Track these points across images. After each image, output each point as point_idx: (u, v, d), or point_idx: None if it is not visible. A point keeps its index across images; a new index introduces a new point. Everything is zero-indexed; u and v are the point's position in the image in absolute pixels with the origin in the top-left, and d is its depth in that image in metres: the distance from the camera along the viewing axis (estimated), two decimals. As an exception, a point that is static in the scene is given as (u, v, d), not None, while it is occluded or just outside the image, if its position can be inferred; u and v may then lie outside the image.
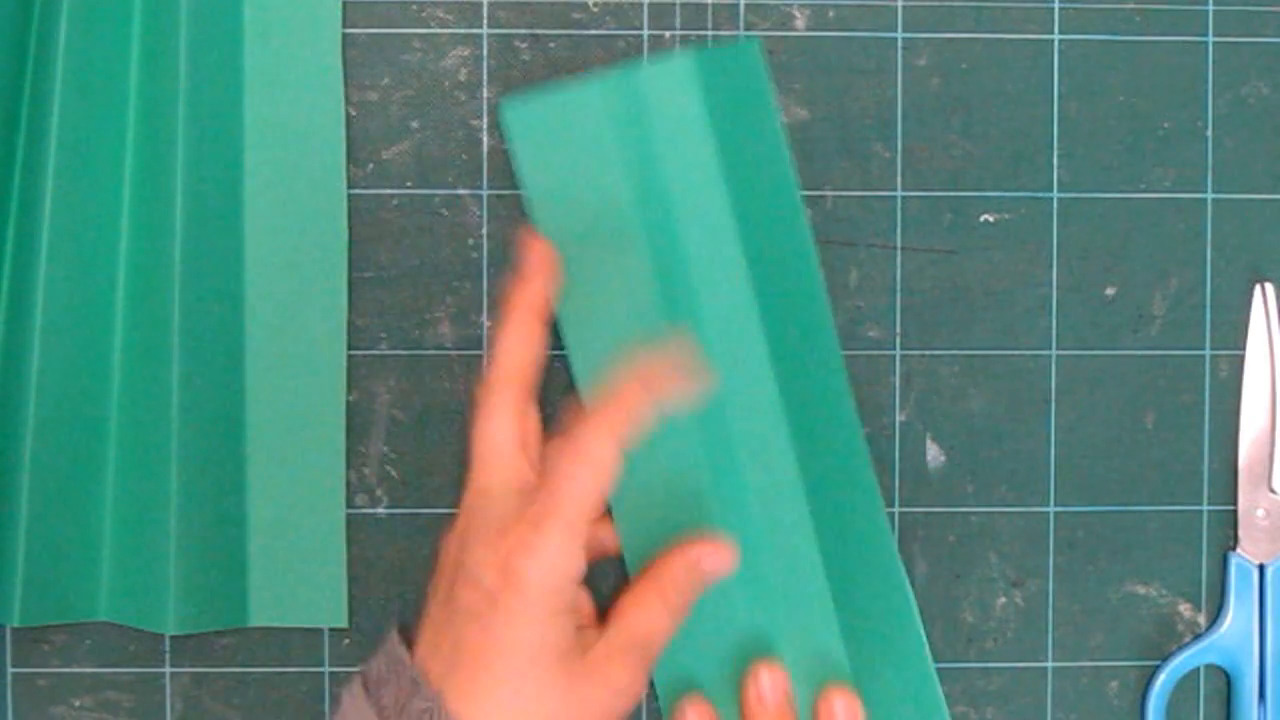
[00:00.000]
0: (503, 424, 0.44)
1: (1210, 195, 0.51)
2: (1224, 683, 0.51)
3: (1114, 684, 0.51)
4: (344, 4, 0.49)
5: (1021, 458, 0.50)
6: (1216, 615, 0.50)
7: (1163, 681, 0.50)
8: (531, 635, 0.42)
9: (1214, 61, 0.50)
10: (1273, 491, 0.50)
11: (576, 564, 0.42)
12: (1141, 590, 0.51)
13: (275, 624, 0.49)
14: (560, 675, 0.42)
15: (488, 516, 0.43)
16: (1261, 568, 0.50)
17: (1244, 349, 0.50)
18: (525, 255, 0.46)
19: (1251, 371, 0.50)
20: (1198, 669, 0.50)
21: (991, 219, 0.50)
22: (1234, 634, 0.50)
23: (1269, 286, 0.50)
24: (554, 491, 0.42)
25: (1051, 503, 0.50)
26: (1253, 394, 0.50)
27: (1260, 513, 0.50)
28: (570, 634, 0.43)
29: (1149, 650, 0.50)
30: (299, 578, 0.48)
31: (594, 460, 0.43)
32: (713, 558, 0.46)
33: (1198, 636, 0.50)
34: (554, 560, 0.42)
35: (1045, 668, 0.50)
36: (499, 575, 0.42)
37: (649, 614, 0.45)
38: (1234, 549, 0.50)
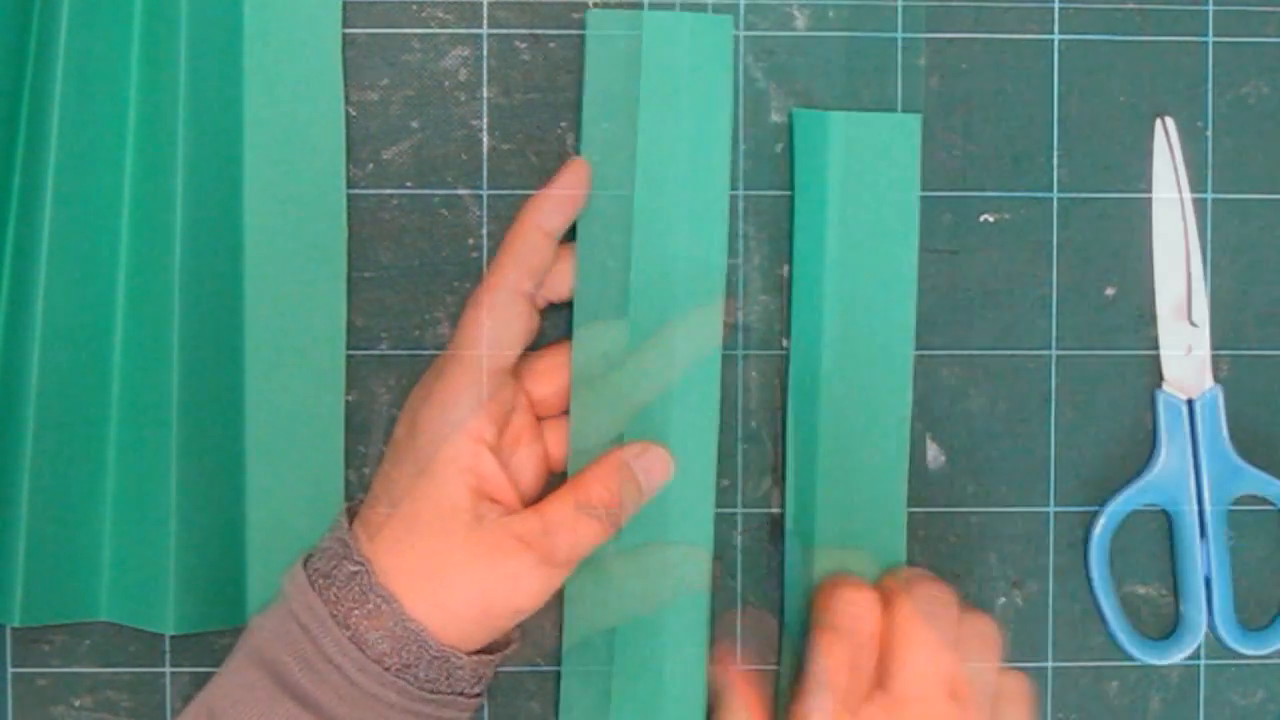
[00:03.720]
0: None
1: (1210, 195, 0.51)
2: (1164, 523, 0.51)
3: (1114, 684, 0.50)
4: (344, 4, 0.49)
5: (1021, 458, 0.50)
6: (1150, 455, 0.50)
7: (1103, 525, 0.50)
8: (430, 489, 0.44)
9: (1214, 61, 0.50)
10: (1193, 324, 0.50)
11: (474, 421, 0.44)
12: (1141, 590, 0.51)
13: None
14: (461, 542, 0.43)
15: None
16: (1190, 403, 0.50)
17: (1150, 190, 0.50)
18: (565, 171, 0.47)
19: (1160, 207, 0.50)
20: (1137, 511, 0.50)
21: (991, 219, 0.50)
22: (1169, 472, 0.50)
23: (1169, 120, 0.50)
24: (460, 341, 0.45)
25: (1051, 503, 0.50)
26: (1163, 230, 0.50)
27: (1182, 348, 0.50)
28: (468, 499, 0.44)
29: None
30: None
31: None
32: (645, 458, 0.46)
33: (1131, 478, 0.50)
34: (449, 412, 0.44)
35: (1045, 668, 0.50)
36: (407, 427, 0.45)
37: (559, 507, 0.45)
38: (1160, 387, 0.50)
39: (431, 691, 0.43)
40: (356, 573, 0.43)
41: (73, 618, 0.48)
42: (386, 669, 0.42)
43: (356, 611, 0.43)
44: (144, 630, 0.48)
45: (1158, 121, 0.50)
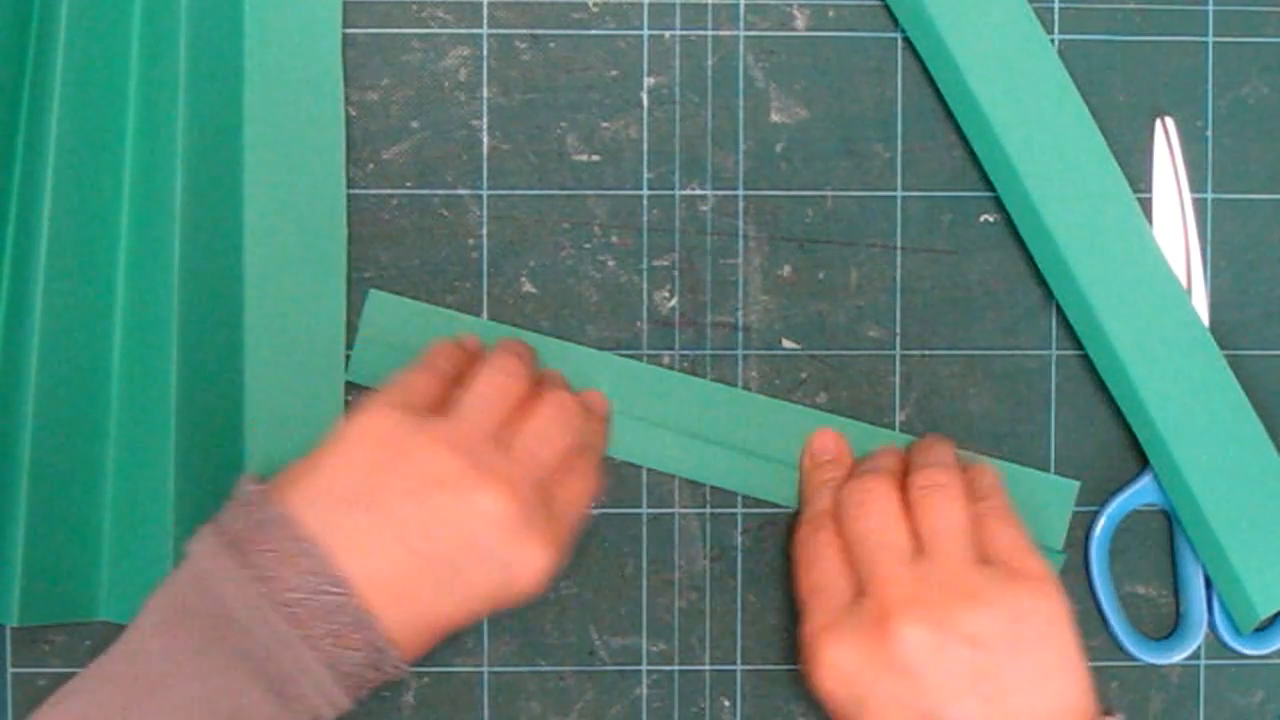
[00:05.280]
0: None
1: (1210, 195, 0.51)
2: (1164, 523, 0.51)
3: (1114, 684, 0.50)
4: (344, 4, 0.49)
5: (1021, 458, 0.50)
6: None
7: (1103, 525, 0.50)
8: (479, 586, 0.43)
9: (1214, 61, 0.50)
10: None
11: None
12: (1141, 590, 0.51)
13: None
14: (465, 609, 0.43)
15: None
16: None
17: (1150, 190, 0.50)
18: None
19: (1160, 207, 0.50)
20: (1137, 511, 0.50)
21: (991, 219, 0.50)
22: None
23: (1169, 120, 0.50)
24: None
25: (1051, 503, 0.50)
26: (1163, 230, 0.50)
27: None
28: None
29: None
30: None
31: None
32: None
33: (1132, 478, 0.50)
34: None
35: (1045, 668, 0.50)
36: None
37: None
38: None
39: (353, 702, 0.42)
40: (337, 601, 0.40)
41: (71, 618, 0.48)
42: (347, 690, 0.41)
43: (321, 625, 0.40)
44: (144, 630, 0.48)
45: (1158, 121, 0.50)
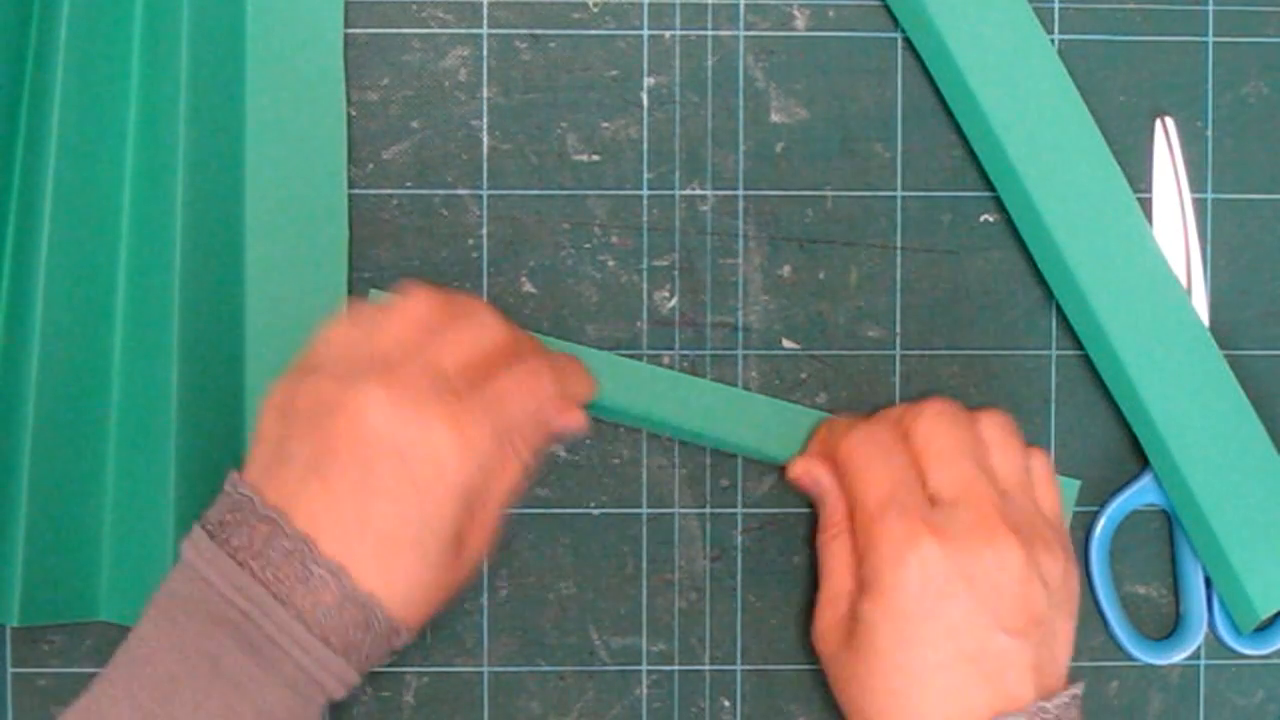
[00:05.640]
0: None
1: (1210, 195, 0.51)
2: (1164, 523, 0.51)
3: (1114, 684, 0.50)
4: (345, 4, 0.49)
5: (1021, 458, 0.50)
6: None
7: (1103, 525, 0.50)
8: (446, 517, 0.41)
9: (1214, 61, 0.50)
10: None
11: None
12: (1141, 590, 0.51)
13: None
14: (447, 552, 0.42)
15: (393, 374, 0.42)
16: None
17: (1150, 190, 0.50)
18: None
19: (1160, 207, 0.50)
20: (1137, 511, 0.50)
21: (991, 219, 0.50)
22: None
23: (1169, 120, 0.50)
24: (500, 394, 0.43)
25: (1051, 503, 0.50)
26: (1163, 230, 0.50)
27: None
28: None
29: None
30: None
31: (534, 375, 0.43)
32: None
33: (1132, 478, 0.50)
34: (473, 464, 0.41)
35: (1045, 668, 0.50)
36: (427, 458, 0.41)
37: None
38: None
39: (359, 672, 0.41)
40: (294, 548, 0.40)
41: (71, 618, 0.48)
42: (331, 648, 0.40)
43: (300, 589, 0.40)
44: (144, 630, 0.48)
45: (1158, 121, 0.50)
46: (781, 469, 0.48)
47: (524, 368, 0.44)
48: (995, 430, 0.46)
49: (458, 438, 0.41)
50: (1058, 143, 0.48)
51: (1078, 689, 0.44)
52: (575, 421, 0.45)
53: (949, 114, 0.50)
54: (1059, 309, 0.50)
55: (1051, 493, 0.46)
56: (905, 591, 0.43)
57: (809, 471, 0.47)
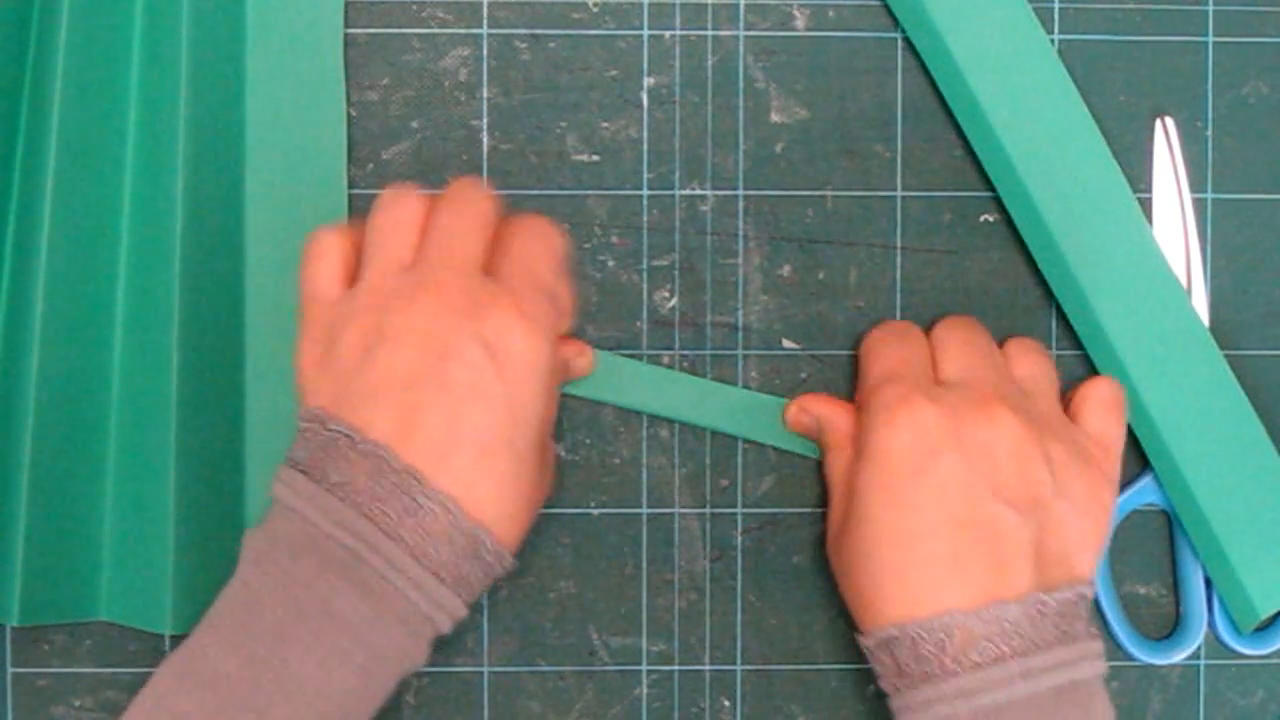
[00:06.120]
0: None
1: (1210, 195, 0.51)
2: (1164, 523, 0.51)
3: (1114, 684, 0.50)
4: (345, 4, 0.49)
5: (1021, 458, 0.50)
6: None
7: None
8: (533, 410, 0.42)
9: (1214, 61, 0.50)
10: None
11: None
12: (1141, 590, 0.51)
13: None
14: (536, 454, 0.42)
15: (426, 283, 0.42)
16: None
17: (1150, 190, 0.50)
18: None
19: (1160, 207, 0.50)
20: (1137, 511, 0.50)
21: (991, 219, 0.50)
22: None
23: (1169, 120, 0.50)
24: (525, 273, 0.43)
25: (1051, 503, 0.50)
26: (1163, 230, 0.50)
27: None
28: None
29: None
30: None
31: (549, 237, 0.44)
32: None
33: (1132, 479, 0.50)
34: (543, 339, 0.42)
35: (1045, 668, 0.50)
36: (489, 353, 0.41)
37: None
38: None
39: (466, 604, 0.41)
40: (400, 482, 0.40)
41: (71, 618, 0.48)
42: (442, 582, 0.40)
43: (409, 522, 0.39)
44: (144, 630, 0.48)
45: (1157, 122, 0.50)
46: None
47: (526, 225, 0.44)
48: (1019, 344, 0.47)
49: (527, 323, 0.41)
50: (1058, 143, 0.48)
51: (1086, 589, 0.42)
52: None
53: (949, 114, 0.50)
54: (1059, 309, 0.50)
55: (1104, 417, 0.46)
56: (895, 451, 0.42)
57: (803, 408, 0.48)
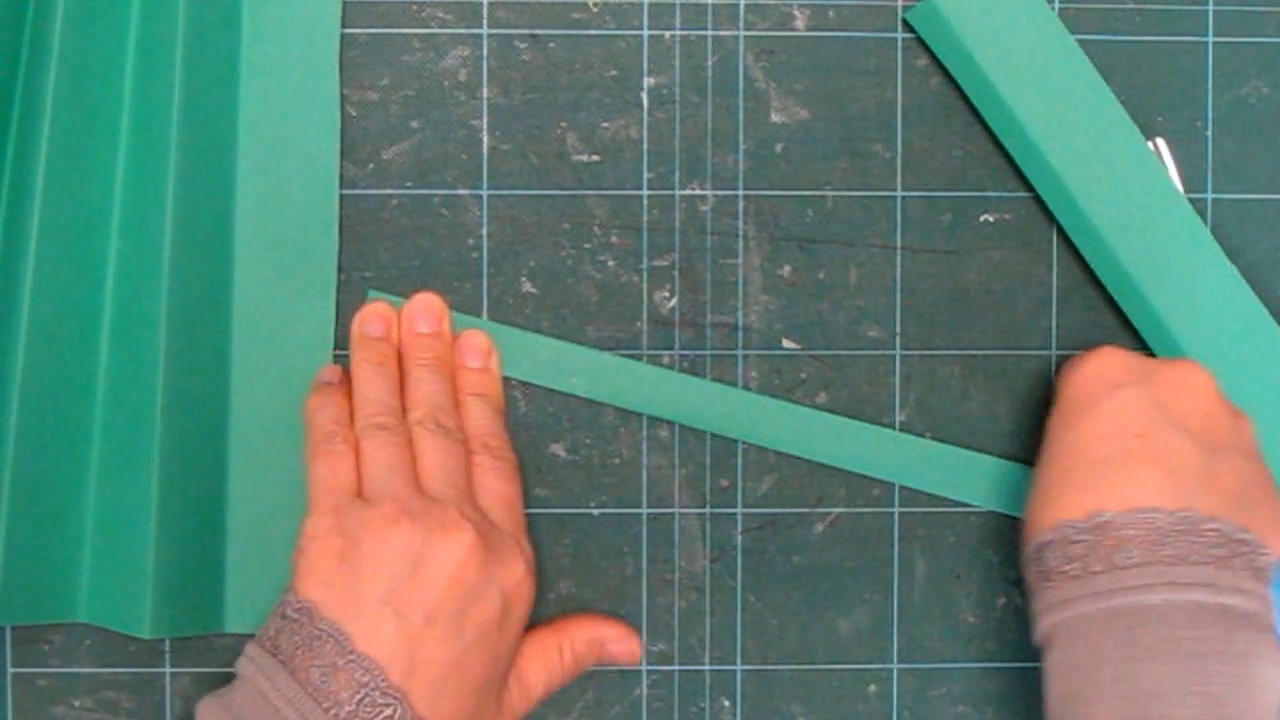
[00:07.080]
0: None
1: (1210, 195, 0.51)
2: None
3: None
4: (344, 4, 0.49)
5: (1022, 458, 0.50)
6: None
7: None
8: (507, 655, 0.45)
9: (1214, 61, 0.51)
10: None
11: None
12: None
13: (250, 630, 0.48)
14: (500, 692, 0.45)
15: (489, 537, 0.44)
16: None
17: None
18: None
19: None
20: None
21: (991, 219, 0.50)
22: None
23: (1161, 141, 0.50)
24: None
25: (1051, 503, 0.50)
26: None
27: None
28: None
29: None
30: (276, 585, 0.47)
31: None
32: (621, 646, 0.49)
33: None
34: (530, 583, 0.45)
35: (1045, 668, 0.50)
36: (501, 600, 0.44)
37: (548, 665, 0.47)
38: None
39: None
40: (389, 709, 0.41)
41: (50, 618, 0.47)
42: None
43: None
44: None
45: (1149, 144, 0.50)
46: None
47: (490, 462, 0.46)
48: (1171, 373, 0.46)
49: (532, 575, 0.45)
50: (1099, 146, 0.48)
51: (1262, 544, 0.42)
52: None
53: (949, 114, 0.50)
54: (1059, 309, 0.50)
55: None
56: (1078, 381, 0.44)
57: None
